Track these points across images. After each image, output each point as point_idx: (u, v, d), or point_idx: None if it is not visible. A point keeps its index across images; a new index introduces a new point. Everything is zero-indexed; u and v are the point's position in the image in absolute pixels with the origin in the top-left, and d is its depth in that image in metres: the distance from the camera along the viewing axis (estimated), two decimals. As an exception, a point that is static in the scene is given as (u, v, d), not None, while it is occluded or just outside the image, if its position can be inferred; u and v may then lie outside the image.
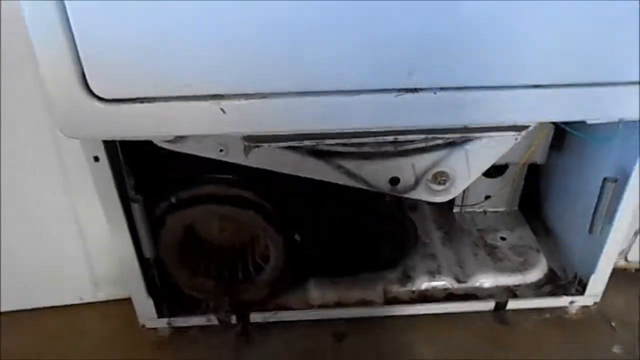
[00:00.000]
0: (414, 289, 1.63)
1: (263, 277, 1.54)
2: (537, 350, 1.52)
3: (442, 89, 1.00)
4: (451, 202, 1.87)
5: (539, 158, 1.67)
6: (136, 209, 1.30)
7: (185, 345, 1.54)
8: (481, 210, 1.88)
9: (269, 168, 1.30)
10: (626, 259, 1.67)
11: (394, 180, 1.36)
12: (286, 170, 1.32)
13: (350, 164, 1.33)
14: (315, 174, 1.33)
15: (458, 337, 1.55)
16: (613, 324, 1.59)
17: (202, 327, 1.55)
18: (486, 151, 1.33)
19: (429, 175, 1.36)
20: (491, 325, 1.58)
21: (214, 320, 1.53)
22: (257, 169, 1.31)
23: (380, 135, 1.25)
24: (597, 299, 1.58)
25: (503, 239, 1.77)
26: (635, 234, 1.59)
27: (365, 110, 1.02)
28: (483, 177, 1.78)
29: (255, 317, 1.55)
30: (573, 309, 1.62)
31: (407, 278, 1.64)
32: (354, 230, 1.53)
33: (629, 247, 1.64)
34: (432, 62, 0.97)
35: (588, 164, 1.53)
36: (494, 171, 1.77)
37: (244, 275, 1.56)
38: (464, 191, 1.81)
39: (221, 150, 1.27)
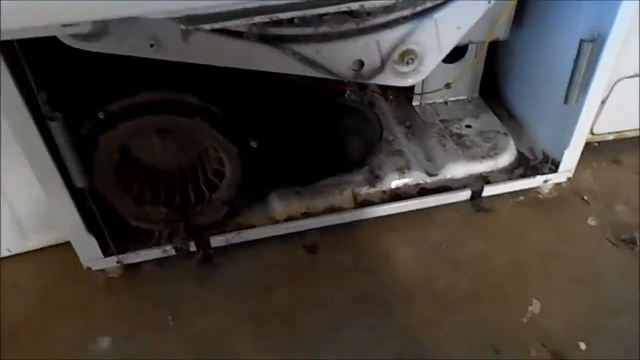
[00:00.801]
0: (384, 188, 1.51)
1: (219, 195, 1.37)
2: (516, 233, 1.46)
3: None
4: (410, 95, 1.74)
5: (502, 33, 1.54)
6: (55, 128, 1.06)
7: (141, 283, 1.36)
8: (442, 100, 1.76)
9: (212, 63, 1.09)
10: (592, 132, 1.62)
11: (358, 64, 1.19)
12: (233, 63, 1.11)
13: (307, 49, 1.14)
14: (268, 64, 1.14)
15: (436, 231, 1.47)
16: (585, 197, 1.56)
17: (157, 261, 1.37)
18: (457, 19, 1.18)
19: (395, 55, 1.20)
20: (468, 215, 1.50)
21: (170, 250, 1.35)
22: (198, 67, 1.09)
23: (341, 1, 1.05)
24: (571, 174, 1.53)
25: (468, 126, 1.67)
26: (602, 102, 1.52)
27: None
28: (441, 63, 1.64)
29: (217, 240, 1.38)
30: (546, 188, 1.57)
31: (375, 178, 1.52)
32: (314, 131, 1.37)
33: (595, 118, 1.58)
34: None
35: (556, 29, 1.42)
36: (453, 55, 1.63)
37: (197, 196, 1.37)
38: (422, 80, 1.68)
39: (152, 45, 1.03)
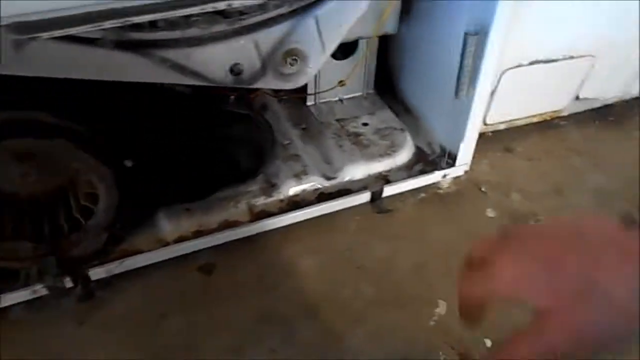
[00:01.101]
0: (281, 197, 1.42)
1: (95, 222, 1.22)
2: (418, 232, 1.43)
3: None
4: (304, 95, 1.66)
5: (390, 28, 1.50)
6: None
7: (9, 332, 1.18)
8: (337, 98, 1.70)
9: (62, 75, 0.95)
10: (485, 122, 1.63)
11: (236, 68, 1.09)
12: (89, 74, 0.97)
13: (176, 55, 1.02)
14: (132, 74, 1.01)
15: (339, 237, 1.41)
16: (483, 188, 1.56)
17: (27, 303, 1.20)
18: (338, 16, 1.11)
19: (277, 57, 1.11)
20: (370, 218, 1.45)
21: (41, 290, 1.19)
22: (55, 80, 0.94)
23: (204, 2, 0.95)
24: (468, 167, 1.53)
25: (365, 124, 1.62)
26: (492, 93, 1.53)
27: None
28: (334, 61, 1.59)
29: (98, 272, 1.23)
30: (446, 183, 1.56)
31: (272, 187, 1.43)
32: (199, 142, 1.25)
33: (487, 109, 1.59)
34: None
35: (443, 24, 1.40)
36: (344, 52, 1.58)
37: (70, 225, 1.22)
38: (315, 79, 1.61)
39: (-17, 59, 0.88)
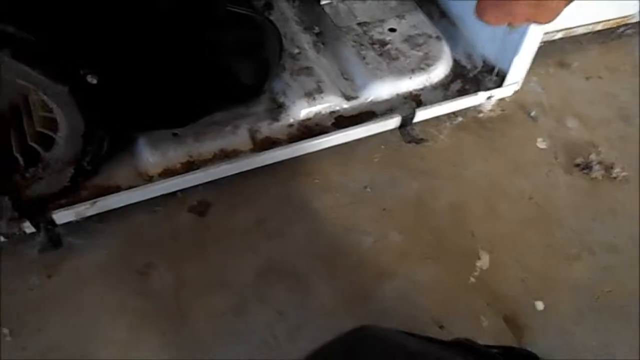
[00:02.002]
0: (291, 121, 1.16)
1: (57, 153, 0.96)
2: (455, 166, 1.19)
3: None
4: (316, -10, 1.34)
5: None
6: None
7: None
8: (359, -4, 1.38)
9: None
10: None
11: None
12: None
13: None
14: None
15: (359, 171, 1.16)
16: (533, 113, 1.29)
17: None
18: None
19: None
20: (398, 148, 1.20)
21: (-5, 237, 0.96)
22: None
23: None
24: (518, 87, 1.25)
25: (392, 30, 1.31)
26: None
27: None
28: (356, -54, 1.25)
29: (65, 215, 1.00)
30: (488, 106, 1.28)
31: (278, 108, 1.16)
32: (185, 50, 0.96)
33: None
34: None
35: None
36: None
37: (27, 158, 0.97)
38: (333, -29, 1.28)
39: None
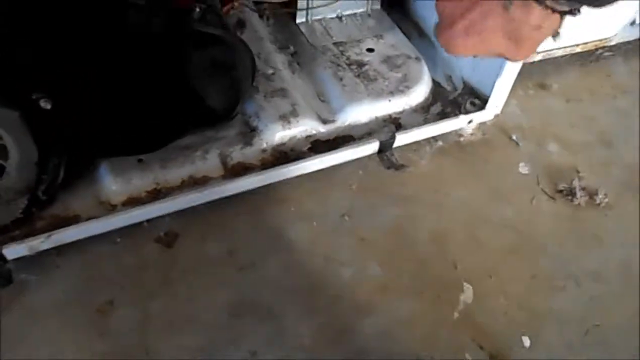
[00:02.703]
0: (264, 146, 1.10)
1: (7, 183, 0.88)
2: (436, 193, 1.14)
3: None
4: (292, 10, 1.29)
5: None
6: None
7: None
8: (334, 15, 1.33)
9: None
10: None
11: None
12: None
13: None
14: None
15: (337, 199, 1.11)
16: (514, 137, 1.26)
17: None
18: None
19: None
20: (377, 173, 1.15)
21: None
22: None
23: None
24: (499, 110, 1.22)
25: (370, 50, 1.27)
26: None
27: None
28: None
29: (16, 249, 0.91)
30: (469, 129, 1.25)
31: (251, 132, 1.10)
32: (149, 72, 0.90)
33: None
34: None
35: None
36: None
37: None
38: (307, -10, 1.23)
39: None
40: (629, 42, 1.48)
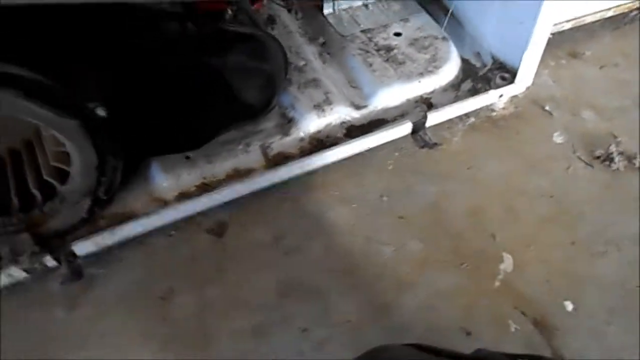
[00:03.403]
0: (301, 135, 1.15)
1: (72, 186, 0.97)
2: (471, 168, 1.17)
3: None
4: (319, 3, 1.33)
5: None
6: None
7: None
8: (360, 3, 1.37)
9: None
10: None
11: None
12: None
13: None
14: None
15: (374, 180, 1.15)
16: (547, 107, 1.27)
17: (7, 289, 0.99)
18: None
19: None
20: (411, 153, 1.19)
21: (18, 273, 0.97)
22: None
23: None
24: (530, 82, 1.23)
25: (398, 34, 1.30)
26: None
27: None
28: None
29: (85, 246, 1.01)
30: (501, 104, 1.26)
31: (288, 123, 1.16)
32: (190, 74, 0.96)
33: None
34: None
35: None
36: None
37: (43, 193, 0.98)
38: (333, -19, 1.27)
39: None
40: (664, 1, 1.45)
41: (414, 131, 1.17)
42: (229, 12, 0.97)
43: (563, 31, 1.37)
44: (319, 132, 1.16)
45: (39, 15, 0.76)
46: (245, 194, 1.10)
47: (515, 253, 1.04)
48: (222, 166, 1.11)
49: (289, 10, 1.35)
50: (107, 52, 0.87)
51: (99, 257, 1.03)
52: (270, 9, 1.31)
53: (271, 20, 1.32)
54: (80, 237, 1.01)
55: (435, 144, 1.18)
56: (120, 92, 0.91)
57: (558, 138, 1.21)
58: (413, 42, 1.28)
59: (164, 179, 1.09)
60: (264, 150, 1.13)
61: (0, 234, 0.96)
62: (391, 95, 1.19)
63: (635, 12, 1.44)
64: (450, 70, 1.24)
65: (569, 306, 0.98)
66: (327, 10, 1.34)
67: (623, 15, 1.42)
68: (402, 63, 1.24)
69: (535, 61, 1.18)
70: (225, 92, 1.04)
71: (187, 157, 1.11)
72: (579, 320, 0.96)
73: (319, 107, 1.16)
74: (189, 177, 1.10)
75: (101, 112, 0.89)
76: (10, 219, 0.97)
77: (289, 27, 1.31)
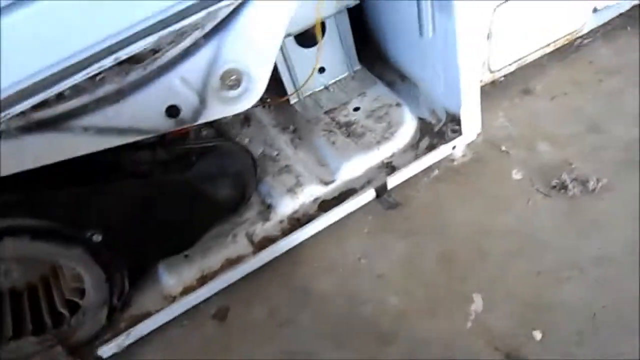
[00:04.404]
0: (280, 217, 1.30)
1: (89, 299, 1.15)
2: (439, 218, 1.27)
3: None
4: (285, 98, 1.51)
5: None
6: None
7: None
8: (322, 87, 1.54)
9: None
10: (490, 69, 1.42)
11: (173, 110, 0.97)
12: (11, 168, 0.89)
13: (98, 118, 0.91)
14: (60, 152, 0.92)
15: (351, 246, 1.27)
16: (504, 147, 1.36)
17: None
18: (267, 20, 0.95)
19: (214, 83, 0.97)
20: (382, 215, 1.30)
21: (56, 381, 1.15)
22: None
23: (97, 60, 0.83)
24: (479, 129, 1.33)
25: (356, 109, 1.46)
26: (488, 36, 1.31)
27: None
28: (304, 50, 1.43)
29: (109, 348, 1.18)
30: (459, 152, 1.37)
31: (267, 209, 1.31)
32: (166, 192, 1.15)
33: (488, 56, 1.37)
34: None
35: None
36: (311, 38, 1.40)
37: (69, 310, 1.16)
38: (291, 75, 1.45)
39: None
40: (607, 24, 1.53)
41: (378, 195, 1.29)
42: (192, 132, 1.16)
43: (512, 73, 1.48)
44: (295, 212, 1.31)
45: (35, 174, 0.96)
46: (240, 278, 1.25)
47: (484, 292, 1.12)
48: (216, 258, 1.27)
49: (263, 106, 1.54)
50: (96, 190, 1.07)
51: (122, 355, 1.20)
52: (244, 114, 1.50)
53: (247, 119, 1.51)
54: (105, 341, 1.18)
55: (398, 203, 1.30)
56: (108, 220, 1.10)
57: (517, 175, 1.30)
58: (370, 114, 1.42)
59: (169, 278, 1.25)
60: (250, 237, 1.29)
61: (38, 350, 1.15)
62: (354, 166, 1.33)
63: (579, 40, 1.52)
64: (406, 132, 1.37)
65: (538, 335, 1.04)
66: (293, 100, 1.51)
67: (569, 44, 1.51)
68: (361, 135, 1.38)
69: (475, 108, 1.28)
70: (202, 197, 1.22)
71: (186, 256, 1.28)
72: (548, 347, 1.02)
73: (292, 191, 1.31)
74: (190, 273, 1.26)
75: (97, 237, 1.07)
76: (46, 336, 1.16)
77: (262, 121, 1.49)
